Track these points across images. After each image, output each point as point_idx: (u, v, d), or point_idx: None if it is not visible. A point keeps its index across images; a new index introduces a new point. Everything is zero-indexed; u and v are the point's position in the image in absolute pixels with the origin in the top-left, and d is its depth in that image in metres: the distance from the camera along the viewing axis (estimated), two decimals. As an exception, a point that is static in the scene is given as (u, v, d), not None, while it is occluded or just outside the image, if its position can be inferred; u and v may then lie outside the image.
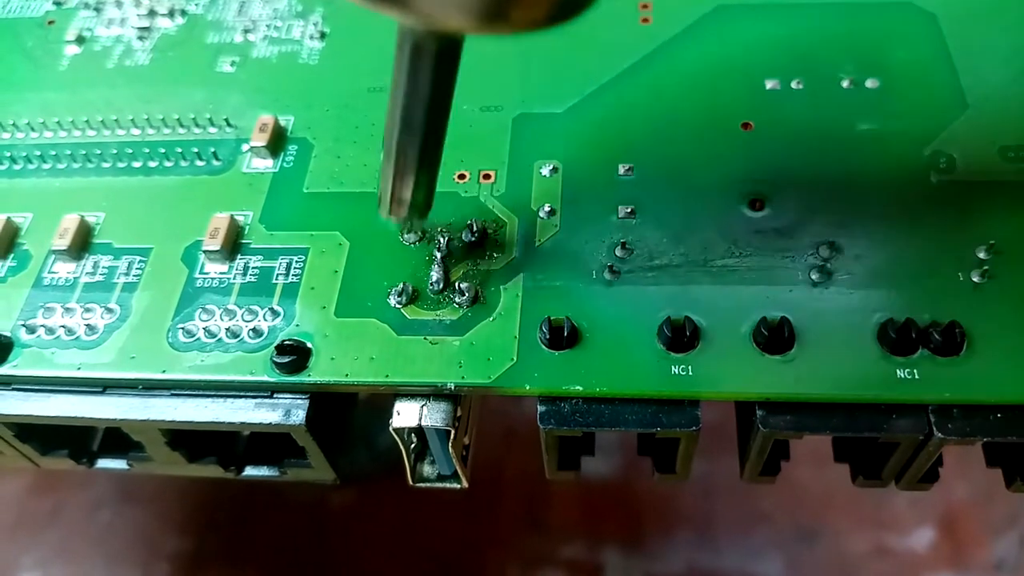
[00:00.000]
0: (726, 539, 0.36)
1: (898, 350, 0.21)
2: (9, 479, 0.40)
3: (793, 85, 0.27)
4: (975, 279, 0.22)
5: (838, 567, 0.35)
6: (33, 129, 0.29)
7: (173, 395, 0.23)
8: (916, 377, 0.21)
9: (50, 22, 0.33)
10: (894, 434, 0.21)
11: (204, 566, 0.37)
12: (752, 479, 0.23)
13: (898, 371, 0.21)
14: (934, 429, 0.20)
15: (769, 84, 0.28)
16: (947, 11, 0.29)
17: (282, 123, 0.28)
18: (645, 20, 0.30)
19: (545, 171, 0.26)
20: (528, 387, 0.22)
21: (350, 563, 0.37)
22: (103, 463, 0.26)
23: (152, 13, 0.32)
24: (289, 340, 0.23)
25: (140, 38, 0.32)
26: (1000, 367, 0.21)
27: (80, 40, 0.32)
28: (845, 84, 0.27)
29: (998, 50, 0.28)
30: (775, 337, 0.21)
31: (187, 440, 0.24)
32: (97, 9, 0.33)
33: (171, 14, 0.32)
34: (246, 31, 0.31)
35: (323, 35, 0.31)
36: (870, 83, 0.27)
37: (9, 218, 0.26)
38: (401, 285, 0.24)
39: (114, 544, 0.38)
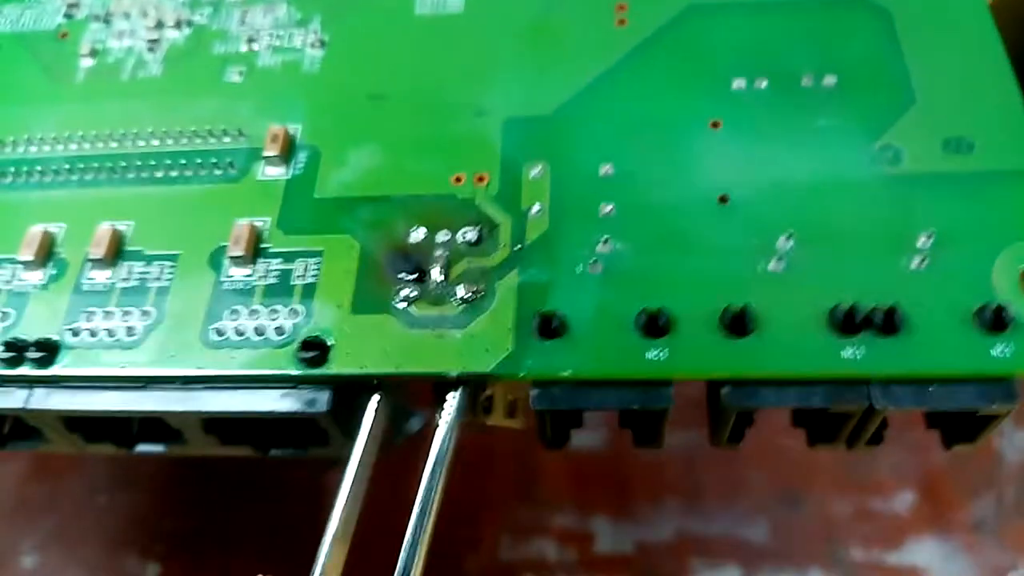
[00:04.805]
0: (713, 506, 0.37)
1: (845, 331, 0.24)
2: (6, 465, 0.40)
3: (759, 84, 0.30)
4: (914, 266, 0.25)
5: (823, 530, 0.36)
6: (59, 142, 0.31)
7: (207, 388, 0.26)
8: (861, 355, 0.24)
9: (63, 35, 0.34)
10: (842, 405, 0.24)
11: (200, 548, 0.38)
12: (720, 445, 0.27)
13: (845, 350, 0.24)
14: (875, 400, 0.24)
15: (735, 83, 0.30)
16: (900, 7, 0.31)
17: (291, 131, 0.30)
18: (621, 22, 0.32)
19: (534, 172, 0.28)
20: (523, 374, 0.24)
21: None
22: (142, 448, 0.29)
23: (160, 24, 0.34)
24: (310, 336, 0.25)
25: (150, 49, 0.33)
26: (934, 345, 0.24)
27: (93, 53, 0.33)
28: (806, 82, 0.30)
29: (948, 46, 0.30)
30: (738, 322, 0.24)
31: (219, 426, 0.27)
32: (106, 21, 0.34)
33: (178, 25, 0.34)
34: (250, 40, 0.33)
35: (323, 43, 0.33)
36: (828, 80, 0.30)
37: (46, 229, 0.28)
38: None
39: (111, 527, 0.38)
